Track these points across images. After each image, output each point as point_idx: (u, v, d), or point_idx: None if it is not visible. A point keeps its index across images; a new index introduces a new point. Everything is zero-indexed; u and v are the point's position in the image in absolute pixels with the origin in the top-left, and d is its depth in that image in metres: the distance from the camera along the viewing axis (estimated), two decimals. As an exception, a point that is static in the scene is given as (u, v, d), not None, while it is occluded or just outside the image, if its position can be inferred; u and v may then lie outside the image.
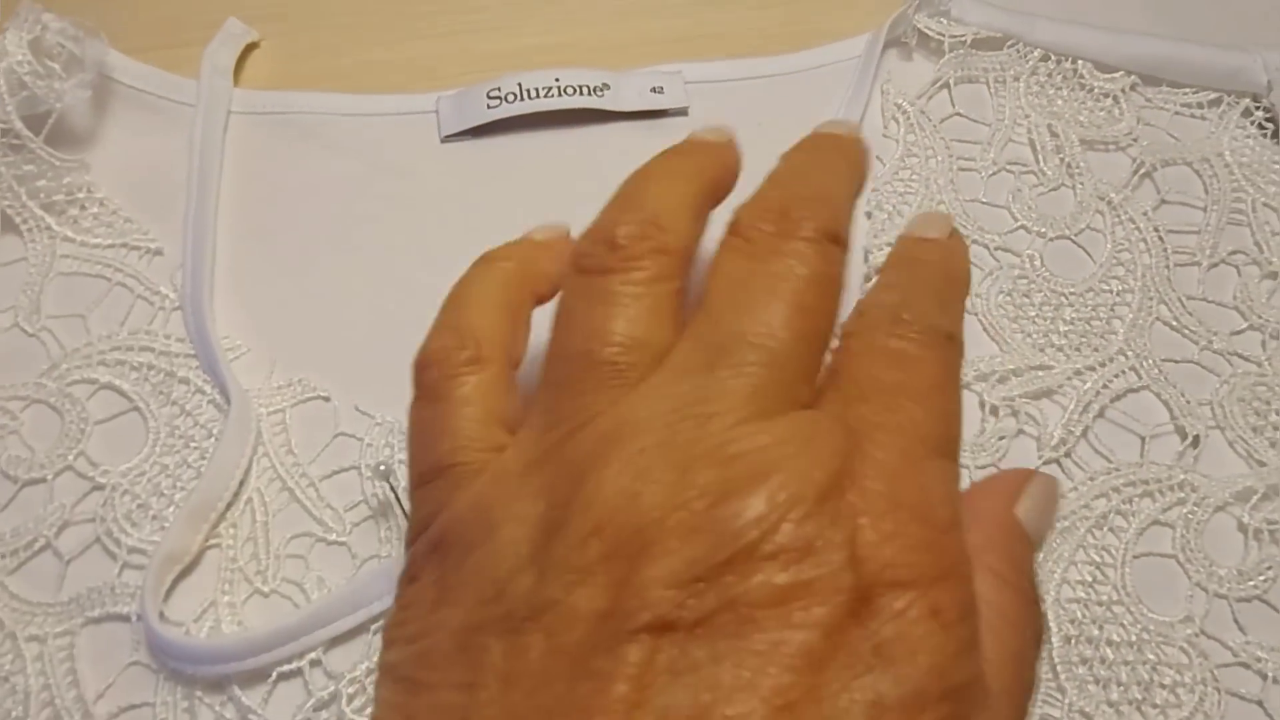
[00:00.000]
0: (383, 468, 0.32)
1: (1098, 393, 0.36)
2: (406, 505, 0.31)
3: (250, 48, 0.45)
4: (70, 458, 0.34)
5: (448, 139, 0.42)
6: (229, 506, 0.33)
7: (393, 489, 0.32)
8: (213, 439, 0.34)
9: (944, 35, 0.43)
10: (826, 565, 0.17)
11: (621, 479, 0.18)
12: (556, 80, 0.42)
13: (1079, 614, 0.32)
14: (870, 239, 0.39)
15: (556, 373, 0.21)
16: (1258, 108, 0.42)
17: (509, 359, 0.24)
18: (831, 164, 0.25)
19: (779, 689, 0.16)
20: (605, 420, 0.19)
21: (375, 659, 0.30)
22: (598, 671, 0.16)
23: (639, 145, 0.42)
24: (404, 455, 0.33)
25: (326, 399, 0.35)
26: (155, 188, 0.40)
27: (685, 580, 0.17)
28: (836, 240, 0.22)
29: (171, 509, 0.33)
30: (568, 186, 0.41)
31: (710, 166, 0.26)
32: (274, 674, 0.30)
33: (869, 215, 0.39)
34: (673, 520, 0.17)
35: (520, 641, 0.17)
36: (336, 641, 0.31)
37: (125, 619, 0.31)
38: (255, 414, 0.34)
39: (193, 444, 0.34)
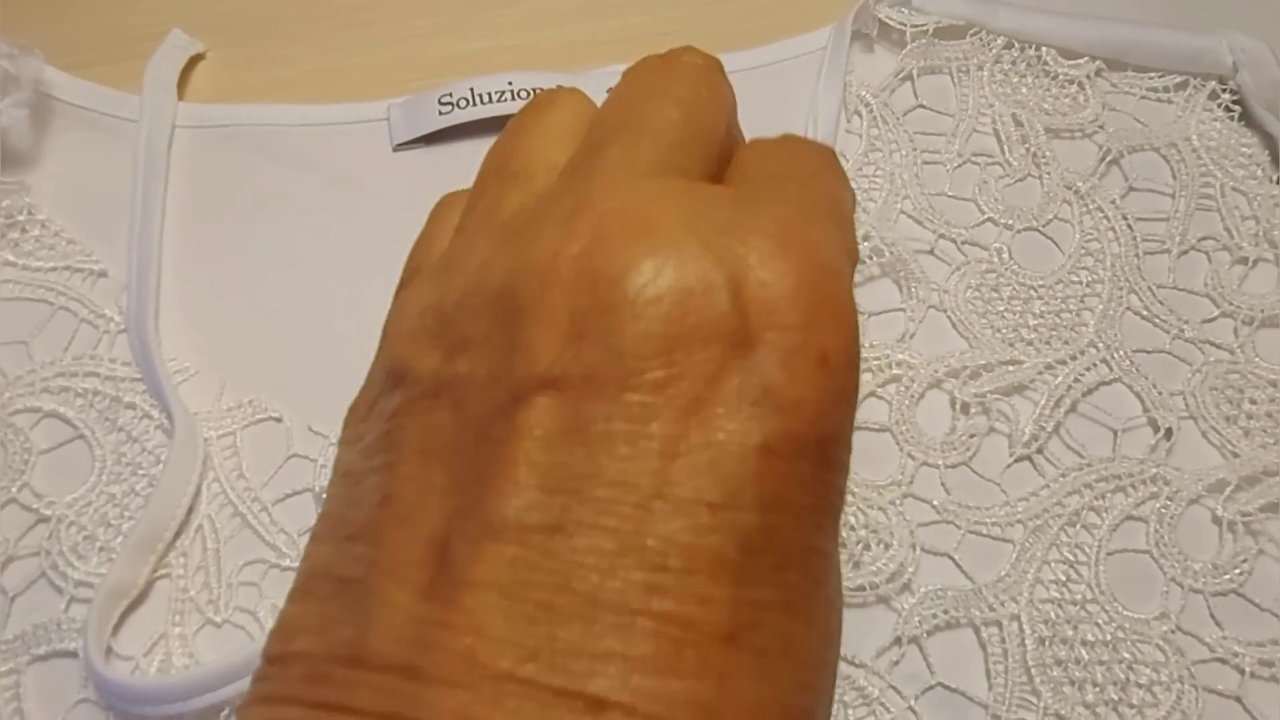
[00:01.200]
0: None
1: (1069, 387, 0.35)
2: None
3: (196, 59, 0.44)
4: (14, 490, 0.33)
5: (400, 147, 0.42)
6: (178, 535, 0.32)
7: None
8: (160, 465, 0.34)
9: (905, 25, 0.43)
10: (710, 309, 0.16)
11: (491, 247, 0.18)
12: (509, 84, 0.42)
13: (1053, 614, 0.32)
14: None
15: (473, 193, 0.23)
16: (1224, 90, 0.41)
17: None
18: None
19: (668, 438, 0.16)
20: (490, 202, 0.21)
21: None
22: (497, 438, 0.16)
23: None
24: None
25: (279, 420, 0.35)
26: (99, 208, 0.39)
27: (568, 336, 0.16)
28: (724, 71, 0.23)
29: (119, 539, 0.32)
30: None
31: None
32: (226, 710, 0.30)
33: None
34: (551, 277, 0.17)
35: (432, 419, 0.17)
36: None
37: (73, 655, 0.31)
38: (202, 438, 0.34)
39: (140, 471, 0.33)
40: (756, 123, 0.42)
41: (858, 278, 0.38)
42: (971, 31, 0.43)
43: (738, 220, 0.17)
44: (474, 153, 0.41)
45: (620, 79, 0.23)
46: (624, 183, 0.18)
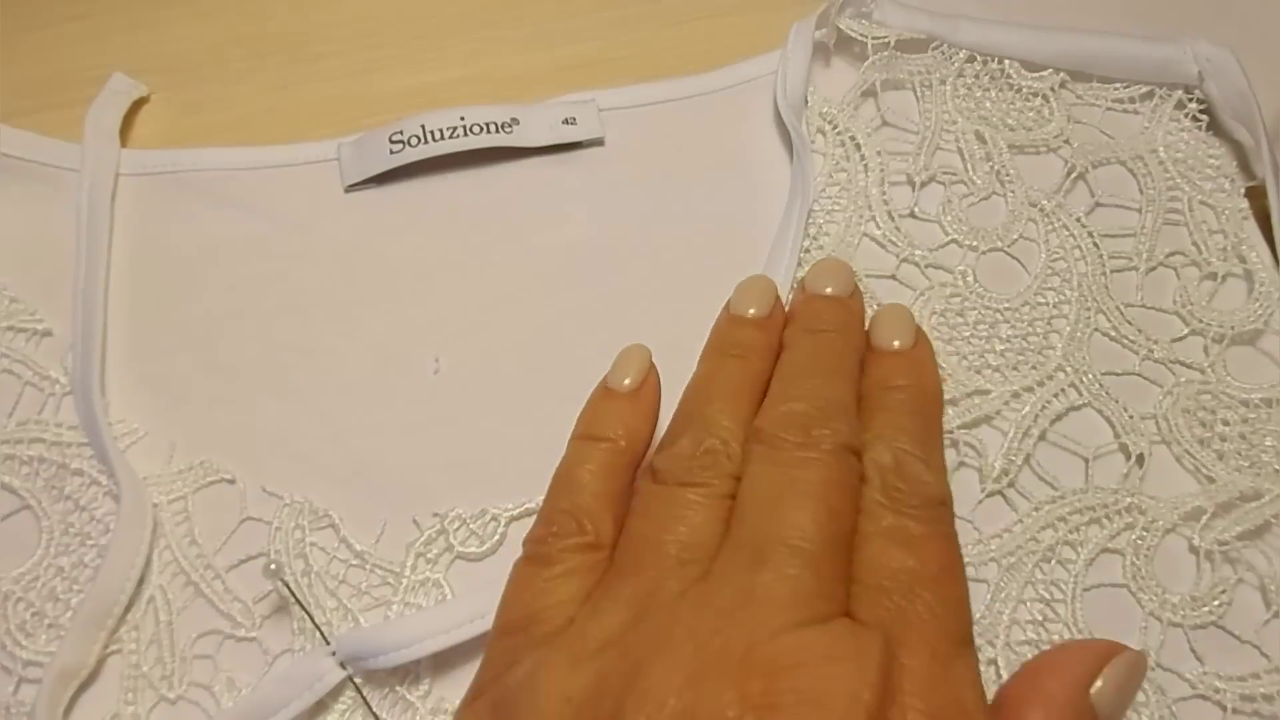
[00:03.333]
0: (273, 566, 0.31)
1: (1037, 415, 0.35)
2: (305, 599, 0.30)
3: (139, 103, 0.43)
4: (-44, 571, 0.32)
5: (352, 188, 0.41)
6: (129, 608, 0.31)
7: (288, 586, 0.31)
8: (109, 534, 0.33)
9: (867, 37, 0.42)
10: None
11: (674, 679, 0.20)
12: (461, 119, 0.41)
13: (1030, 657, 0.31)
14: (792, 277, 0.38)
15: (626, 559, 0.25)
16: (1190, 99, 0.41)
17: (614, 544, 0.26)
18: (839, 354, 0.30)
19: None
20: (662, 616, 0.22)
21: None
22: None
23: (551, 181, 0.41)
24: (314, 538, 0.32)
25: (231, 481, 0.34)
26: (42, 263, 0.38)
27: None
28: (853, 450, 0.26)
29: (68, 615, 0.31)
30: (479, 230, 0.40)
31: (764, 370, 0.30)
32: (183, 791, 0.29)
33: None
34: None
35: None
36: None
37: None
38: (151, 504, 0.33)
39: (89, 541, 0.33)
40: (716, 148, 0.42)
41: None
42: (933, 45, 0.42)
43: (890, 681, 0.20)
44: (426, 191, 0.41)
45: (750, 464, 0.26)
46: (796, 630, 0.21)
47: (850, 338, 0.31)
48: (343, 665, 0.30)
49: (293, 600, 0.31)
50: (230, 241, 0.39)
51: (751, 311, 0.32)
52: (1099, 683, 0.23)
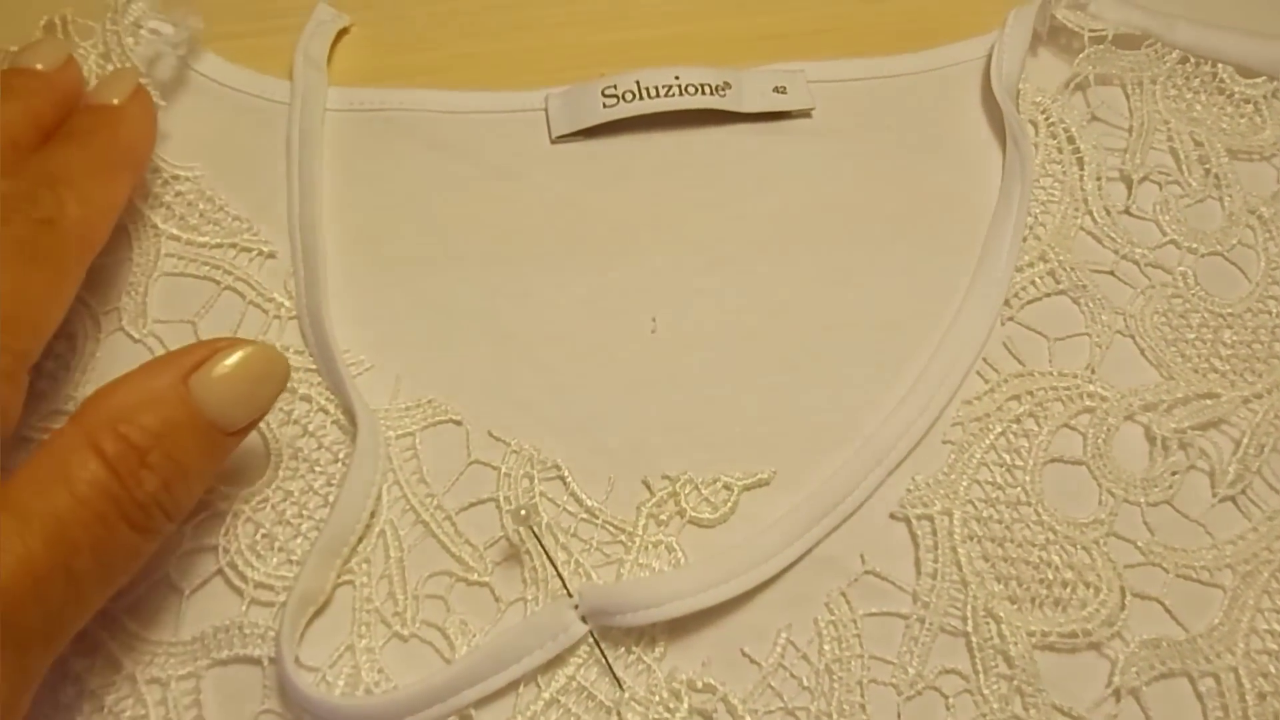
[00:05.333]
0: (522, 511, 0.29)
1: (1270, 423, 0.33)
2: (550, 547, 0.28)
3: (338, 36, 0.42)
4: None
5: (559, 139, 0.39)
6: (361, 539, 0.30)
7: (535, 533, 0.30)
8: (339, 464, 0.31)
9: (1084, 29, 0.40)
10: None
11: None
12: (676, 78, 0.39)
13: (1272, 667, 0.29)
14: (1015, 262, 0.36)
15: None
16: None
17: None
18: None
19: None
20: None
21: (526, 712, 0.28)
22: None
23: (760, 149, 0.39)
24: (542, 488, 0.31)
25: (458, 423, 0.32)
26: (256, 189, 0.37)
27: None
28: None
29: (298, 540, 0.30)
30: (688, 192, 0.38)
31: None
32: (420, 727, 0.28)
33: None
34: None
35: None
36: (483, 701, 0.28)
37: (255, 662, 0.28)
38: (384, 436, 0.32)
39: (318, 469, 0.31)
40: (925, 129, 0.40)
41: (1034, 293, 0.36)
42: (1147, 42, 0.41)
43: None
44: (634, 148, 0.39)
45: None
46: None
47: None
48: (584, 619, 0.28)
49: (524, 549, 0.30)
50: (438, 183, 0.38)
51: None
52: (203, 370, 0.24)
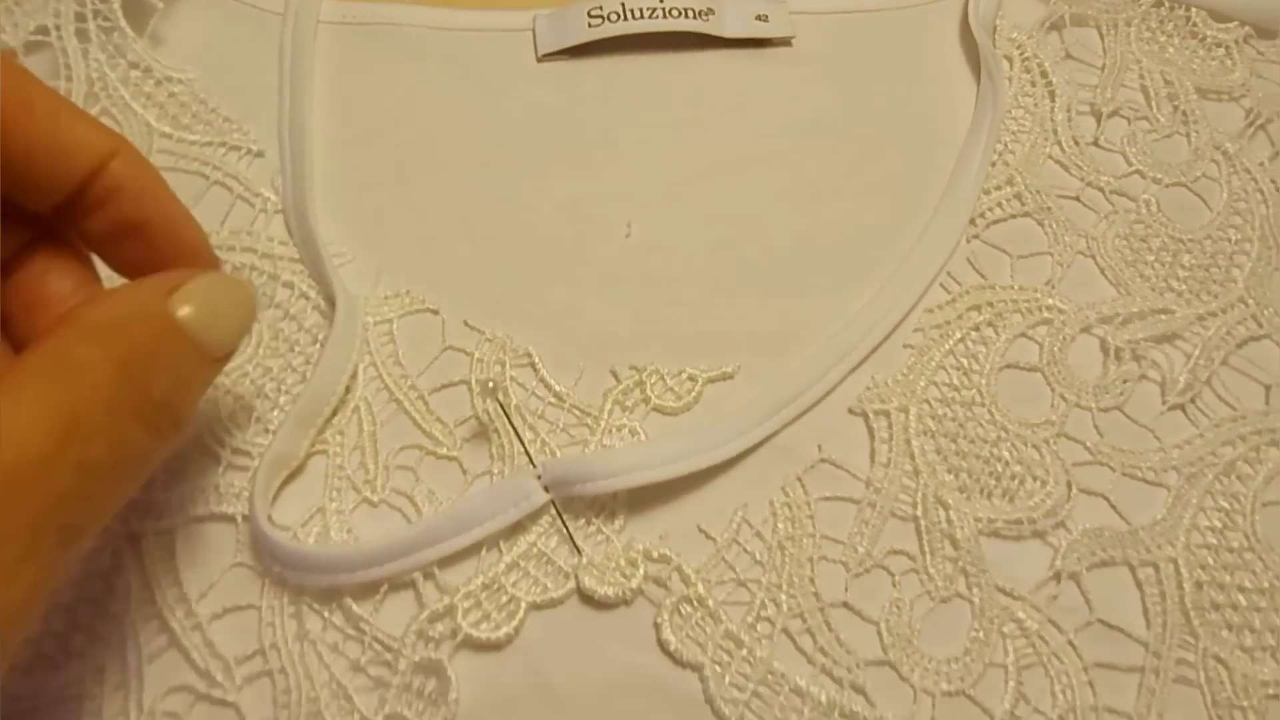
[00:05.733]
0: (490, 384, 0.30)
1: (1221, 339, 0.34)
2: (517, 423, 0.29)
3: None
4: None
5: (545, 58, 0.40)
6: (335, 413, 0.31)
7: (502, 407, 0.31)
8: (317, 345, 0.32)
9: (1061, -31, 0.41)
10: None
11: None
12: (661, 1, 0.40)
13: (1210, 560, 0.30)
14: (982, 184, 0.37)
15: None
16: (1377, 62, 0.40)
17: None
18: None
19: None
20: None
21: (488, 575, 0.29)
22: None
23: (740, 73, 0.40)
24: (513, 373, 0.32)
25: (435, 312, 0.33)
26: (247, 93, 0.38)
27: None
28: None
29: (275, 412, 0.31)
30: (669, 111, 0.39)
31: None
32: (385, 586, 0.29)
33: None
34: None
35: None
36: (447, 561, 0.29)
37: (229, 519, 0.29)
38: (362, 315, 0.33)
39: (297, 349, 0.32)
40: (905, 63, 0.41)
41: (1000, 214, 0.37)
42: (1123, -15, 0.42)
43: None
44: (617, 68, 0.40)
45: None
46: None
47: None
48: (546, 489, 0.29)
49: (493, 426, 0.31)
50: (426, 96, 0.39)
51: None
52: (179, 290, 0.23)
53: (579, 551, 0.29)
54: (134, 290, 0.24)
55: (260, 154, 0.36)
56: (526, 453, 0.30)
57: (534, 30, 0.41)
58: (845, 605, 0.29)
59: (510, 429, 0.30)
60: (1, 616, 0.19)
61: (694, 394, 0.32)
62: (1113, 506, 0.31)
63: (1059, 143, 0.39)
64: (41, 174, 0.24)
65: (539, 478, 0.29)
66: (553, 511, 0.29)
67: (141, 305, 0.23)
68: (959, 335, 0.34)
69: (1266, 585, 0.30)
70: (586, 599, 0.29)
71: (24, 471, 0.20)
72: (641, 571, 0.29)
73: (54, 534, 0.20)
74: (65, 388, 0.21)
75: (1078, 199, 0.37)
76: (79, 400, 0.21)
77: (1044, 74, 0.40)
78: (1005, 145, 0.38)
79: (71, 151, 0.24)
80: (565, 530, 0.29)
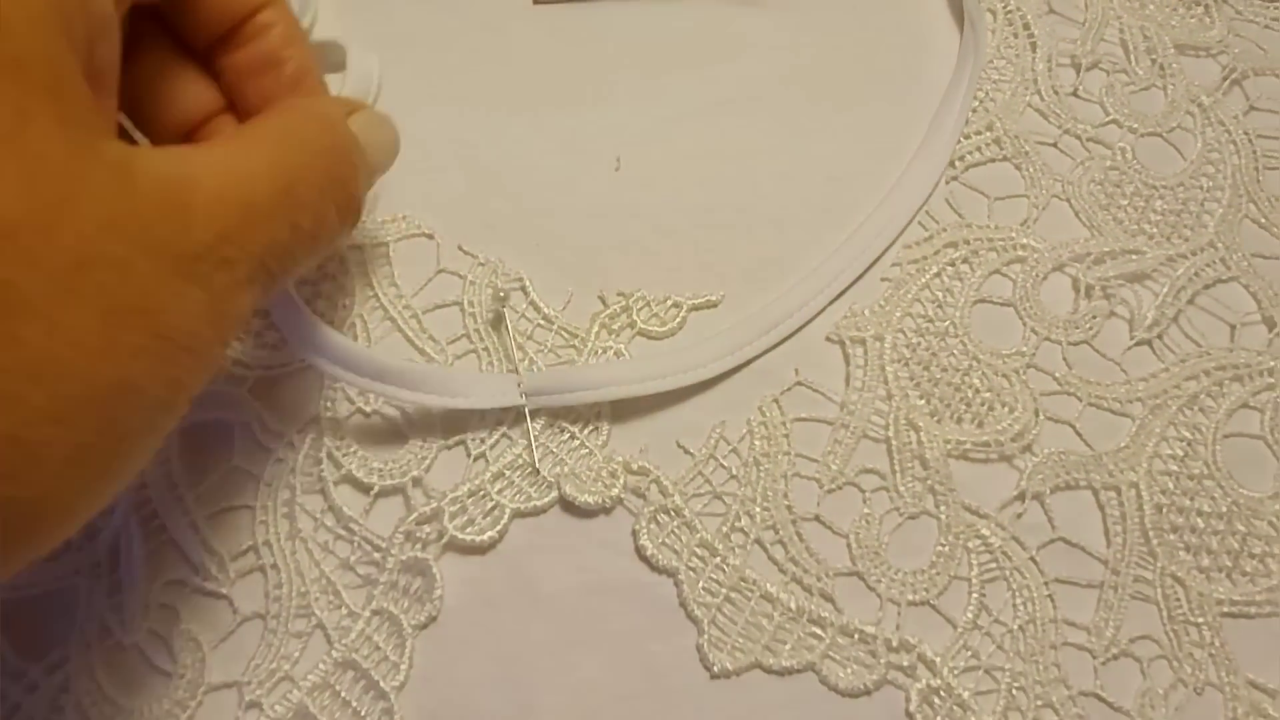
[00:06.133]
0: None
1: (1189, 280, 0.35)
2: (513, 331, 0.30)
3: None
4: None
5: (540, 1, 0.41)
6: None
7: (503, 315, 0.32)
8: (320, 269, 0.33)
9: (1042, -74, 0.42)
10: None
11: None
12: (654, -52, 0.41)
13: (1170, 485, 0.31)
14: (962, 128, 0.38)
15: None
16: (1352, 21, 0.41)
17: None
18: None
19: None
20: None
21: (475, 482, 0.30)
22: None
23: (730, 20, 0.41)
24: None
25: (430, 236, 0.35)
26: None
27: None
28: None
29: (272, 332, 0.32)
30: (659, 54, 0.40)
31: None
32: (375, 488, 0.30)
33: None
34: None
35: None
36: (432, 468, 0.30)
37: (227, 425, 0.31)
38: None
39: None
40: (889, 9, 0.42)
41: (979, 158, 0.38)
42: (1106, -57, 0.42)
43: None
44: (610, 14, 0.41)
45: None
46: None
47: None
48: (524, 396, 0.30)
49: (482, 346, 0.32)
50: (423, 34, 0.40)
51: None
52: (354, 118, 0.27)
53: (533, 462, 0.30)
54: (325, 102, 0.28)
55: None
56: (512, 359, 0.31)
57: (530, -26, 0.41)
58: (817, 519, 0.30)
59: (510, 335, 0.31)
60: (240, 314, 0.22)
61: (679, 320, 0.33)
62: (1078, 434, 0.32)
63: (1039, 92, 0.39)
64: (207, 13, 0.27)
65: (519, 384, 0.30)
66: (528, 421, 0.30)
67: (336, 114, 0.26)
68: (935, 270, 0.35)
69: (1224, 510, 0.31)
70: (568, 507, 0.30)
71: (253, 210, 0.22)
72: (621, 482, 0.30)
73: (263, 273, 0.23)
74: (289, 154, 0.24)
75: (1055, 145, 0.38)
76: (298, 170, 0.24)
77: (1026, 26, 0.41)
78: (986, 93, 0.39)
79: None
80: (530, 437, 0.30)
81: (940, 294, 0.34)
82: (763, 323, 0.33)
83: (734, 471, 0.31)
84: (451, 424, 0.31)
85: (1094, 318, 0.34)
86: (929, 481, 0.31)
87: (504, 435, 0.31)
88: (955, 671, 0.29)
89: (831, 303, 0.34)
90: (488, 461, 0.30)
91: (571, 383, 0.30)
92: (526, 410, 0.30)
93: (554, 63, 0.39)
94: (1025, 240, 0.36)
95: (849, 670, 0.29)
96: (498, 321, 0.32)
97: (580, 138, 0.37)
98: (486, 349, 0.32)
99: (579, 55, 0.40)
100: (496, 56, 0.39)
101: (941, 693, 0.28)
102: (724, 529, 0.30)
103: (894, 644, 0.29)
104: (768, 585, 0.29)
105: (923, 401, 0.32)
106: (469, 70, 0.39)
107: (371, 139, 0.27)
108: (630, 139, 0.37)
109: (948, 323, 0.34)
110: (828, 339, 0.33)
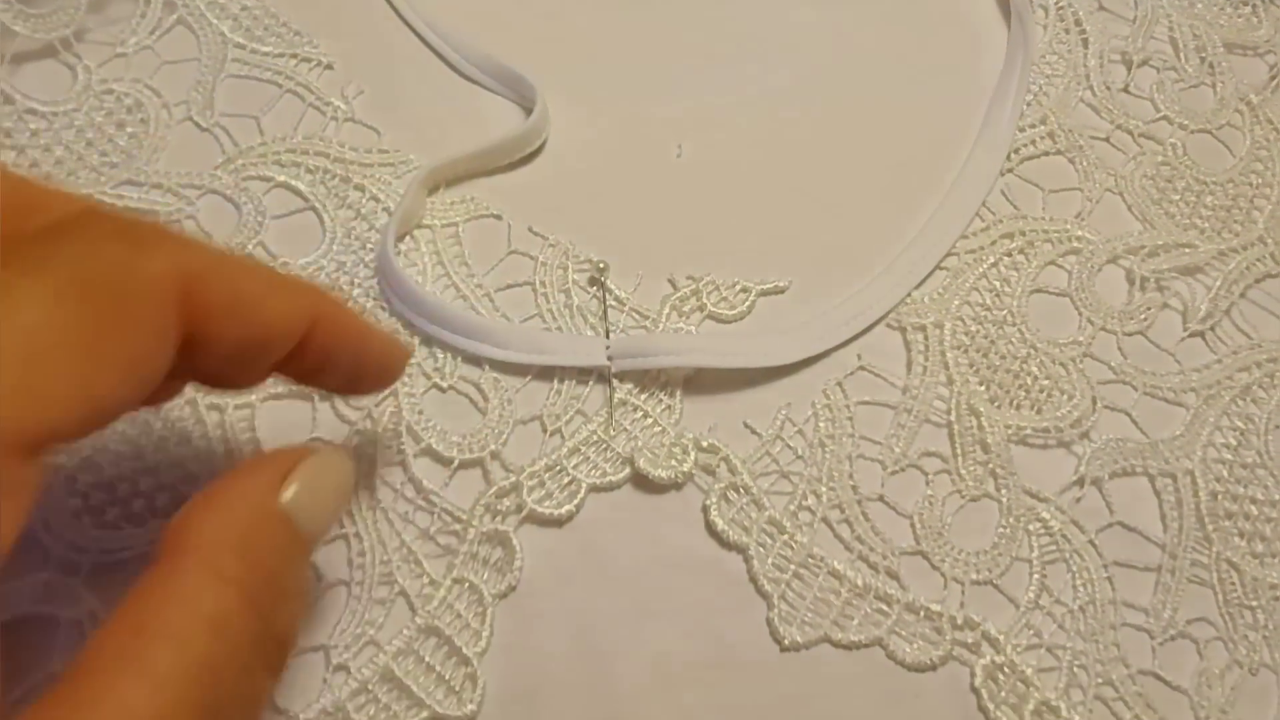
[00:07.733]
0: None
1: (1241, 274, 0.36)
2: (605, 303, 0.31)
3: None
4: (249, 247, 0.34)
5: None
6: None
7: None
8: (388, 243, 0.34)
9: (1094, -76, 0.43)
10: None
11: None
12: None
13: (1225, 474, 0.32)
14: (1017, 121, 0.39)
15: None
16: (1398, 23, 0.41)
17: None
18: None
19: None
20: None
21: (552, 457, 0.31)
22: None
23: (786, 13, 0.42)
24: (575, 277, 0.33)
25: (498, 217, 0.35)
26: (314, 7, 0.39)
27: None
28: None
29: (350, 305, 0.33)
30: (719, 46, 0.41)
31: None
32: (455, 461, 0.30)
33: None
34: None
35: None
36: (509, 439, 0.31)
37: (307, 398, 0.31)
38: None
39: (369, 246, 0.34)
40: (942, 6, 0.42)
41: (1033, 151, 0.38)
42: (1156, -57, 0.43)
43: None
44: (674, 6, 0.42)
45: None
46: None
47: None
48: (610, 359, 0.31)
49: (555, 326, 0.33)
50: (489, 19, 0.40)
51: None
52: (291, 487, 0.21)
53: (610, 425, 0.31)
54: (244, 488, 0.21)
55: (330, 66, 0.38)
56: (604, 325, 0.32)
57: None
58: (881, 499, 0.31)
59: (603, 308, 0.32)
60: None
61: (747, 304, 0.34)
62: (1134, 422, 0.33)
63: (1090, 87, 0.40)
64: (249, 359, 0.22)
65: (608, 347, 0.31)
66: (610, 383, 0.31)
67: (261, 510, 0.21)
68: (992, 260, 0.35)
69: (1278, 498, 0.32)
70: (641, 483, 0.30)
71: None
72: (692, 458, 0.31)
73: None
74: (206, 665, 0.18)
75: (1108, 140, 0.39)
76: (221, 677, 0.18)
77: (1078, 23, 0.42)
78: (1040, 87, 0.40)
79: (274, 337, 0.22)
80: (609, 401, 0.31)
81: (998, 283, 0.35)
82: (840, 316, 0.33)
83: (800, 452, 0.31)
84: (527, 399, 0.31)
85: (1148, 309, 0.35)
86: (990, 465, 0.31)
87: (578, 412, 0.31)
88: (1018, 649, 0.29)
89: (906, 297, 0.34)
90: (563, 437, 0.31)
91: (655, 347, 0.31)
92: (610, 372, 0.31)
93: (614, 52, 0.40)
94: (1080, 233, 0.36)
95: (915, 646, 0.29)
96: (593, 284, 0.33)
97: (642, 125, 0.38)
98: (560, 328, 0.33)
99: (640, 43, 0.40)
100: (559, 44, 0.40)
101: (1005, 669, 0.29)
102: (791, 507, 0.30)
103: (959, 621, 0.29)
104: (835, 562, 0.30)
105: (982, 388, 0.33)
106: (533, 57, 0.39)
107: (310, 504, 0.22)
108: (691, 127, 0.38)
109: (1005, 311, 0.34)
110: (888, 325, 0.34)
